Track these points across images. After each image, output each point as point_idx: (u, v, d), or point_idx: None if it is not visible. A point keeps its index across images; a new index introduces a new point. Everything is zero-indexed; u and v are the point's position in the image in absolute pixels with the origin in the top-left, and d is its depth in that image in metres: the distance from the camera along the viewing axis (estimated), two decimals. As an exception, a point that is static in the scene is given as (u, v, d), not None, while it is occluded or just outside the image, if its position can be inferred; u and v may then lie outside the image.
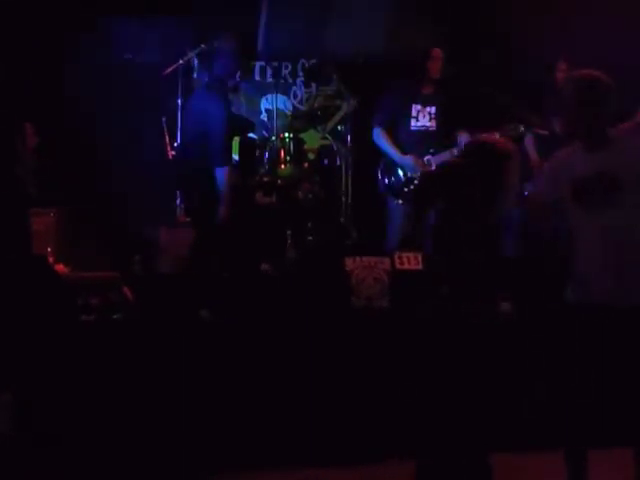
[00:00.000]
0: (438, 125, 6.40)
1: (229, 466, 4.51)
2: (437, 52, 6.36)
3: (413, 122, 6.41)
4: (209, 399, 4.68)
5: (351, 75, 7.06)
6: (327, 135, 7.33)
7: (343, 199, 6.92)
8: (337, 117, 7.17)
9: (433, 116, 6.39)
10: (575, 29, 6.48)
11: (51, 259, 5.73)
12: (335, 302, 5.32)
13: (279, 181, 6.52)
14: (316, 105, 7.64)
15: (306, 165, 6.69)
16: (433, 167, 6.24)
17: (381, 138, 6.45)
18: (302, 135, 6.99)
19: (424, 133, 6.41)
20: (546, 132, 6.46)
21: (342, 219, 6.88)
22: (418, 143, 6.38)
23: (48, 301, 4.74)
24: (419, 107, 6.41)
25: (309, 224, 6.63)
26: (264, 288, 5.56)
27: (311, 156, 6.91)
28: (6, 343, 4.43)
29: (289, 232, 6.37)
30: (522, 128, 6.08)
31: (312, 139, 7.26)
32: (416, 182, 6.29)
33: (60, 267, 5.70)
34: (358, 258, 5.54)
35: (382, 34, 7.41)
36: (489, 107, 6.46)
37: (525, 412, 4.88)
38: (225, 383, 4.73)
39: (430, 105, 6.39)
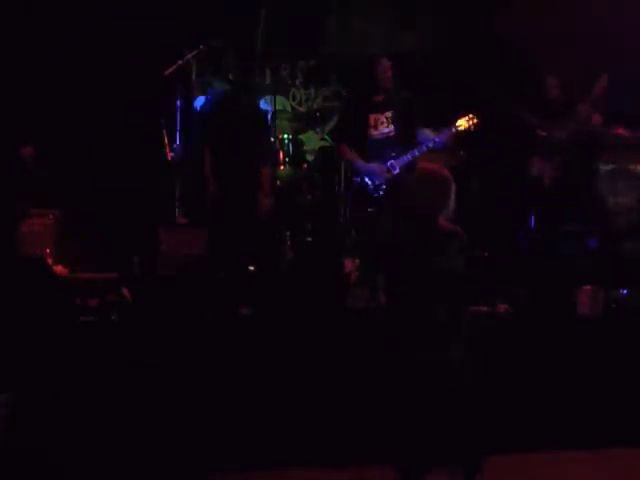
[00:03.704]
0: (397, 129, 6.27)
1: (229, 466, 4.51)
2: (386, 63, 6.24)
3: (372, 131, 6.25)
4: (208, 399, 4.67)
5: (350, 76, 7.05)
6: (326, 136, 7.34)
7: (342, 200, 6.91)
8: (336, 118, 7.17)
9: (390, 121, 6.25)
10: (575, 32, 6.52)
11: (50, 260, 5.73)
12: (333, 303, 5.32)
13: (278, 182, 6.52)
14: (315, 106, 7.65)
15: (305, 166, 6.69)
16: (397, 170, 6.13)
17: (346, 153, 6.28)
18: (301, 136, 6.99)
19: (384, 140, 6.30)
20: (544, 133, 6.48)
21: (341, 220, 6.87)
22: (380, 150, 6.25)
23: (47, 302, 4.74)
24: (377, 115, 6.28)
25: (308, 225, 6.63)
26: (262, 289, 5.56)
27: (310, 157, 6.91)
28: (4, 343, 4.43)
29: (288, 233, 6.36)
30: (476, 119, 6.01)
31: (311, 140, 7.27)
32: (383, 187, 6.19)
33: (59, 268, 5.71)
34: (357, 259, 5.53)
35: (381, 35, 7.41)
36: (489, 109, 6.43)
37: (524, 413, 4.87)
38: (224, 383, 4.72)
39: (386, 111, 6.22)
